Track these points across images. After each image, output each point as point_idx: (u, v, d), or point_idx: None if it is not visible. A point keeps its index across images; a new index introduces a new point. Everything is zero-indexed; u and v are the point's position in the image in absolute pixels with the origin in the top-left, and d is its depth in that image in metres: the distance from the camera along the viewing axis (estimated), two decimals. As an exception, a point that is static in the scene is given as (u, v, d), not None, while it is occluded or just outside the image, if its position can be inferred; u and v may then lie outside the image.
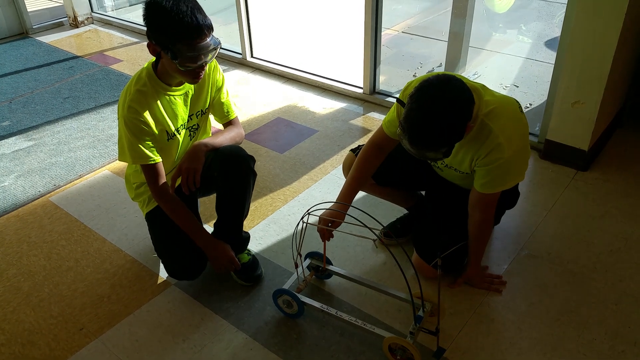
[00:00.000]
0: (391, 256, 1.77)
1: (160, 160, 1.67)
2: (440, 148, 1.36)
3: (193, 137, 1.80)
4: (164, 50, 1.50)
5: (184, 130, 1.75)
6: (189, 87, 1.70)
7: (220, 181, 1.74)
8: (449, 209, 1.79)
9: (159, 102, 1.64)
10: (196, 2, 1.51)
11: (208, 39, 1.50)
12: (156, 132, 1.65)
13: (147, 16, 1.50)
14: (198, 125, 1.79)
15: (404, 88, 1.62)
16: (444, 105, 1.32)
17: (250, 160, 1.76)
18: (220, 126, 1.90)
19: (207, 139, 1.73)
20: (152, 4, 1.48)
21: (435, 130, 1.33)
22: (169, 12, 1.45)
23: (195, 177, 1.65)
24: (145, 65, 1.65)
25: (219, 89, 1.78)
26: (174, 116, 1.70)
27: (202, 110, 1.78)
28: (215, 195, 1.84)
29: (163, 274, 1.91)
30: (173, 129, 1.71)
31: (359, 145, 1.85)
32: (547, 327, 1.63)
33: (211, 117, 1.89)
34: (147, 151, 1.63)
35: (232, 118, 1.86)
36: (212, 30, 1.52)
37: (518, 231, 2.02)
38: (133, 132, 1.60)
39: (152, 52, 1.55)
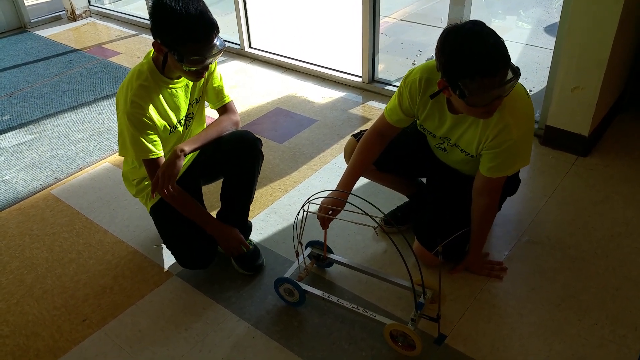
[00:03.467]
0: (392, 244, 1.78)
1: (162, 154, 1.67)
2: (510, 62, 1.32)
3: (188, 126, 1.79)
4: (170, 51, 1.50)
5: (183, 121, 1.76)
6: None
7: (229, 164, 1.76)
8: (450, 196, 1.79)
9: (161, 96, 1.64)
10: (204, 2, 1.50)
11: (215, 41, 1.50)
12: (159, 126, 1.65)
13: (154, 16, 1.49)
14: (193, 113, 1.79)
15: (405, 76, 1.61)
16: (489, 28, 1.32)
17: (258, 142, 1.78)
18: (215, 113, 1.89)
19: (190, 140, 1.68)
20: (160, 4, 1.47)
21: (499, 40, 1.30)
22: (177, 15, 1.44)
23: (171, 183, 1.61)
24: (144, 60, 1.64)
25: (211, 73, 1.77)
26: (176, 108, 1.70)
27: (197, 99, 1.78)
28: (208, 190, 1.83)
29: (165, 264, 1.92)
30: (175, 121, 1.71)
31: (361, 131, 1.84)
32: (548, 313, 1.64)
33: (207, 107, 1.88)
34: (149, 145, 1.62)
35: (226, 102, 1.83)
36: (219, 32, 1.52)
37: (519, 217, 2.02)
38: (136, 126, 1.59)
39: (158, 50, 1.55)
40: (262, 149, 1.81)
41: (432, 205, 1.83)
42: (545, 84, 2.48)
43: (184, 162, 1.65)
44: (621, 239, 1.89)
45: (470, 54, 1.30)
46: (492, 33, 1.32)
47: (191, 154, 1.83)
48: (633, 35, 2.35)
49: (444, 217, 1.76)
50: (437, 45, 1.38)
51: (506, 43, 1.32)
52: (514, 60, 1.33)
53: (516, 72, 1.34)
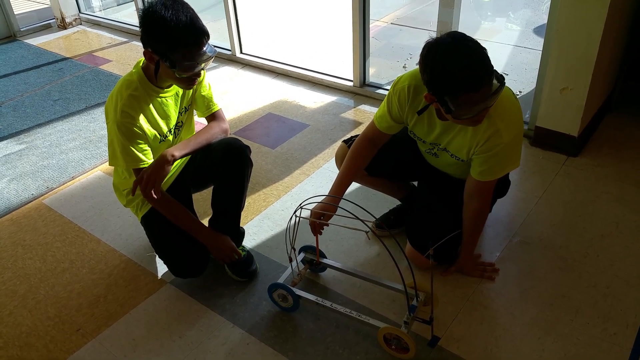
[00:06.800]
0: (384, 248, 1.78)
1: None
2: (492, 76, 1.31)
3: (177, 134, 1.80)
4: (162, 58, 1.50)
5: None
6: (178, 87, 1.70)
7: (218, 172, 1.76)
8: (442, 199, 1.80)
9: (151, 105, 1.64)
10: (193, 10, 1.51)
11: (205, 48, 1.51)
12: (150, 135, 1.65)
13: (144, 25, 1.50)
14: (182, 122, 1.80)
15: (394, 83, 1.62)
16: (468, 40, 1.31)
17: (247, 149, 1.79)
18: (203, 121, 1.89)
19: (180, 145, 1.69)
20: (150, 12, 1.47)
21: (479, 53, 1.29)
22: (168, 23, 1.45)
23: (155, 187, 1.60)
24: (134, 69, 1.64)
25: (200, 82, 1.77)
26: (166, 117, 1.70)
27: (185, 107, 1.78)
28: (201, 197, 1.83)
29: (158, 272, 1.92)
30: (166, 130, 1.71)
31: (352, 137, 1.85)
32: (540, 312, 1.65)
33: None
34: (140, 154, 1.62)
35: (214, 111, 1.83)
36: (209, 38, 1.53)
37: (510, 218, 2.04)
38: (126, 135, 1.59)
39: (149, 59, 1.55)
40: (254, 155, 1.83)
41: (423, 208, 1.84)
42: (534, 85, 2.50)
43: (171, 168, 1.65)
44: (611, 239, 1.91)
45: (451, 72, 1.30)
46: (472, 46, 1.31)
47: (180, 160, 1.83)
48: (620, 35, 2.38)
49: (435, 220, 1.77)
50: (419, 60, 1.39)
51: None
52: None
53: (501, 80, 1.34)
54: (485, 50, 1.33)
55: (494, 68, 1.33)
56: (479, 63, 1.30)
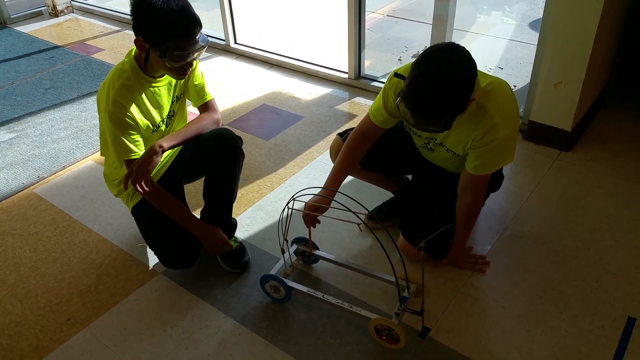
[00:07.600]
0: (377, 240, 1.79)
1: None
2: (442, 118, 1.33)
3: (169, 124, 1.78)
4: (153, 47, 1.48)
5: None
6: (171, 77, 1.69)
7: (210, 163, 1.75)
8: (435, 193, 1.81)
9: (143, 95, 1.62)
10: None
11: (197, 37, 1.50)
12: (142, 125, 1.64)
13: (135, 12, 1.48)
14: (174, 111, 1.78)
15: (389, 77, 1.61)
16: (451, 71, 1.30)
17: (239, 140, 1.77)
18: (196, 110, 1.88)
19: (169, 136, 1.67)
20: (140, 0, 1.45)
21: (440, 98, 1.30)
22: (159, 11, 1.43)
23: (145, 178, 1.59)
24: (126, 58, 1.63)
25: (193, 71, 1.75)
26: (159, 107, 1.69)
27: (177, 97, 1.77)
28: (193, 187, 1.82)
29: (150, 262, 1.92)
30: (159, 120, 1.70)
31: (347, 130, 1.85)
32: (530, 305, 1.66)
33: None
34: (131, 145, 1.61)
35: (207, 100, 1.82)
36: (201, 27, 1.51)
37: (502, 212, 2.05)
38: (118, 126, 1.58)
39: (140, 48, 1.53)
40: (248, 146, 1.82)
41: (417, 201, 1.84)
42: (528, 80, 2.51)
43: (161, 159, 1.63)
44: (602, 233, 1.92)
45: (410, 96, 1.32)
46: (444, 79, 1.29)
47: (171, 151, 1.82)
48: (615, 29, 2.38)
49: (430, 214, 1.77)
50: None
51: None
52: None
53: (451, 120, 1.35)
54: (466, 86, 1.33)
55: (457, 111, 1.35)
56: (433, 103, 1.30)
